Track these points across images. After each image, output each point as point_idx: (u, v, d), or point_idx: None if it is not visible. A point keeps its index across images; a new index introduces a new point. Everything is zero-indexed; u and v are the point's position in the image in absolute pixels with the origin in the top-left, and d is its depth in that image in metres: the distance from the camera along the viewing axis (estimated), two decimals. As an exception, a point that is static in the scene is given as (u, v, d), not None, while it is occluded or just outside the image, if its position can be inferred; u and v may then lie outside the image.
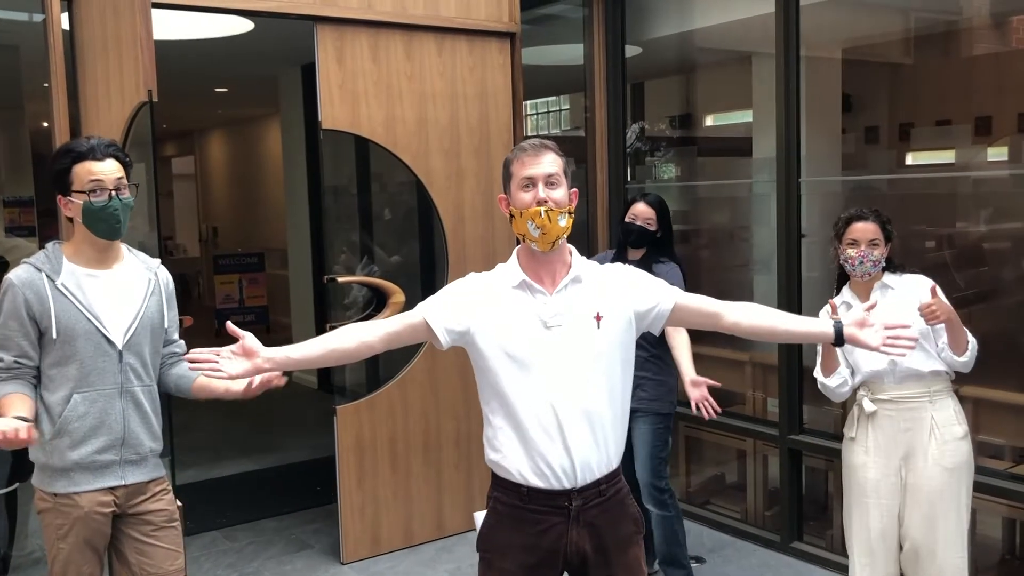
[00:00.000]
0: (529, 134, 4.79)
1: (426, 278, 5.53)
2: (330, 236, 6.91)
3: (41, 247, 2.64)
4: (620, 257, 3.87)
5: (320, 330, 8.07)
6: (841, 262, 3.11)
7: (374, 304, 4.37)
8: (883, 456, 3.07)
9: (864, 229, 3.04)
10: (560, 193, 2.20)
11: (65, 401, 2.49)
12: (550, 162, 2.20)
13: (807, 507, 4.44)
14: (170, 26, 5.60)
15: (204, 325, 11.14)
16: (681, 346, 3.61)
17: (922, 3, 5.08)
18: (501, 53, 4.62)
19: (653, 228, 3.76)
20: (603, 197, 5.12)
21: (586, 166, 5.24)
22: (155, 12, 3.09)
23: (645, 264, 3.78)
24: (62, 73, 3.55)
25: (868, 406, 3.09)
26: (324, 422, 4.50)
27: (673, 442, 3.96)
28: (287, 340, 8.34)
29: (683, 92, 6.37)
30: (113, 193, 2.47)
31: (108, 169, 2.47)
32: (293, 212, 8.48)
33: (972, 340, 2.96)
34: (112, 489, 2.55)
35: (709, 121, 6.53)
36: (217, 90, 9.36)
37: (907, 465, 3.04)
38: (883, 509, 3.07)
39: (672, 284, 3.58)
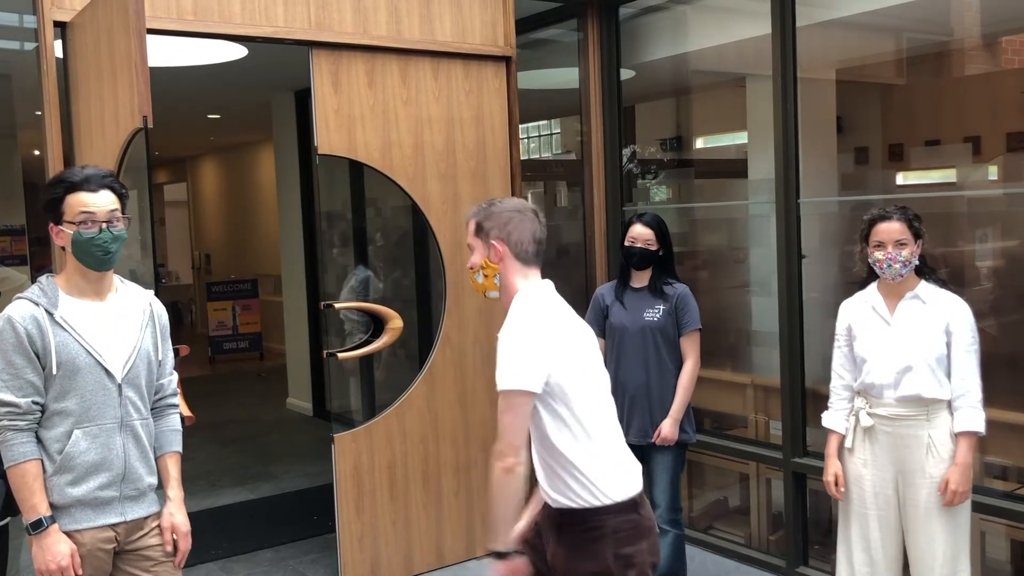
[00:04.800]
0: (521, 158, 4.76)
1: (423, 303, 5.50)
2: (324, 262, 6.88)
3: (33, 277, 2.60)
4: (624, 282, 3.86)
5: (316, 357, 8.09)
6: (871, 265, 3.03)
7: (371, 330, 4.33)
8: (880, 469, 3.04)
9: (889, 229, 2.95)
10: (474, 258, 2.52)
11: (66, 437, 2.43)
12: (470, 232, 2.52)
13: (812, 531, 4.38)
14: (163, 53, 5.59)
15: (198, 352, 11.08)
16: (682, 382, 3.72)
17: (914, 24, 5.09)
18: (497, 77, 4.61)
19: (655, 248, 3.76)
20: (600, 220, 5.09)
21: (582, 189, 5.22)
22: (149, 39, 3.06)
23: (653, 287, 3.78)
24: (55, 101, 3.52)
25: (865, 420, 3.06)
26: (321, 449, 4.44)
27: (684, 463, 3.96)
28: (281, 367, 8.30)
29: (675, 115, 6.37)
30: (104, 225, 2.42)
31: (102, 201, 2.43)
32: (287, 238, 8.44)
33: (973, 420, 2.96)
34: (114, 526, 2.49)
35: (701, 143, 6.54)
36: (210, 116, 9.36)
37: (904, 481, 3.01)
38: (881, 521, 3.04)
39: (690, 306, 3.71)
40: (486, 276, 2.48)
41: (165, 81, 6.52)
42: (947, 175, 4.91)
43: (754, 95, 5.23)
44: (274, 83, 7.48)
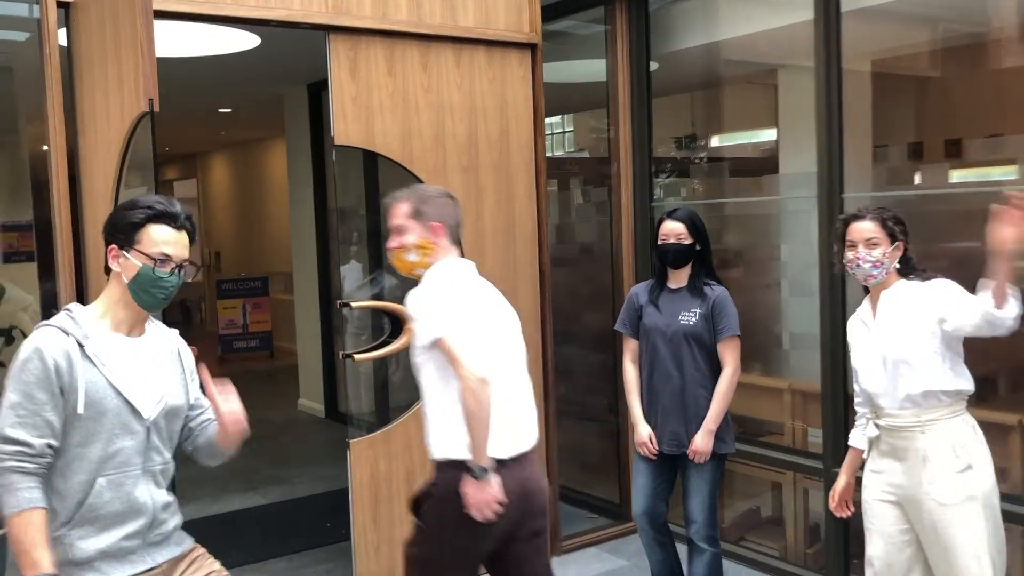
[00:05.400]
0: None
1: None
2: (337, 259, 6.68)
3: (41, 279, 2.40)
4: (661, 283, 3.65)
5: (328, 356, 7.89)
6: (844, 266, 2.91)
7: (389, 330, 4.11)
8: (884, 482, 2.89)
9: (860, 229, 2.83)
10: (407, 238, 2.74)
11: (88, 486, 2.18)
12: (402, 215, 2.73)
13: (853, 543, 4.16)
14: (173, 41, 5.41)
15: (207, 351, 10.91)
16: (719, 390, 3.52)
17: (952, 15, 4.87)
18: (522, 65, 4.39)
19: (689, 242, 3.53)
20: (628, 219, 4.88)
21: (609, 187, 5.01)
22: (158, 25, 2.87)
23: (694, 288, 3.56)
24: (58, 87, 3.31)
25: (871, 431, 2.94)
26: (334, 452, 4.24)
27: (722, 476, 3.76)
28: (292, 366, 8.07)
29: (701, 107, 6.15)
30: (177, 269, 2.24)
31: (183, 243, 2.26)
32: (298, 235, 8.26)
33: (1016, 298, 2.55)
34: (148, 571, 2.28)
35: (729, 137, 6.32)
36: (221, 111, 9.18)
37: (905, 496, 2.84)
38: (886, 537, 2.88)
39: (727, 311, 3.49)
40: (424, 254, 2.72)
41: (175, 71, 6.34)
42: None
43: (787, 86, 5.03)
44: (287, 76, 7.28)
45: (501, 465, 2.59)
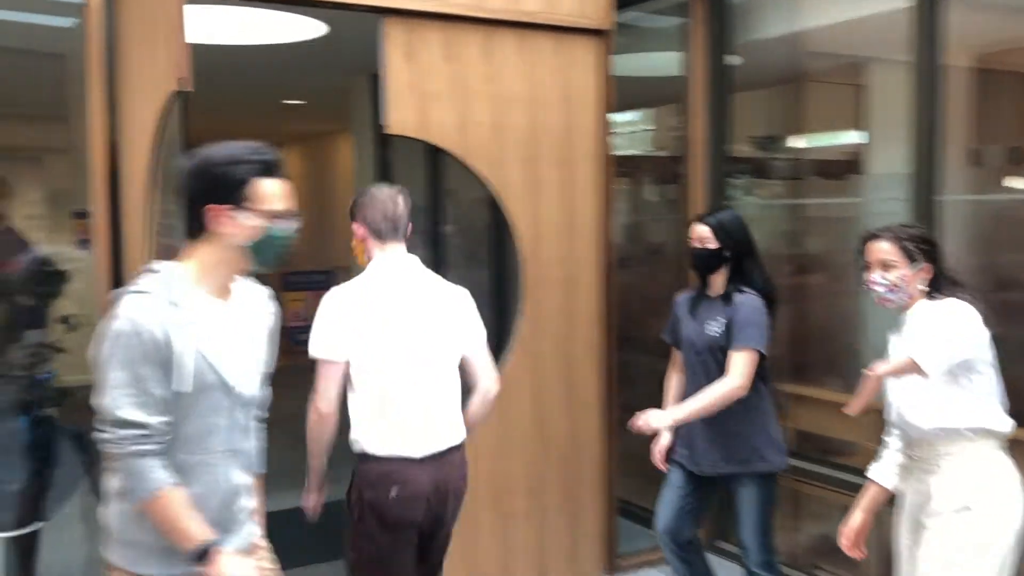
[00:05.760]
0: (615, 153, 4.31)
1: (499, 302, 5.08)
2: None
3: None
4: (701, 291, 3.44)
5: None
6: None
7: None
8: (905, 516, 2.74)
9: (875, 249, 2.64)
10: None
11: (176, 468, 2.01)
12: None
13: None
14: (236, 29, 5.31)
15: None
16: (704, 393, 3.25)
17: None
18: (590, 53, 4.14)
19: (714, 247, 3.30)
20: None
21: (679, 186, 4.74)
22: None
23: (725, 295, 3.33)
24: (99, 71, 3.18)
25: (900, 459, 2.79)
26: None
27: (774, 497, 3.48)
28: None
29: (781, 103, 5.82)
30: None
31: (289, 193, 2.12)
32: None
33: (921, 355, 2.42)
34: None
35: (810, 136, 5.98)
36: (288, 102, 9.13)
37: (912, 530, 2.66)
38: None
39: (745, 320, 3.19)
40: (361, 254, 2.91)
41: (242, 60, 6.27)
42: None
43: (878, 80, 4.69)
44: (353, 66, 7.15)
45: (370, 460, 2.86)
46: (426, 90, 3.77)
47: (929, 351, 2.41)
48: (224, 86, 7.43)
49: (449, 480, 2.87)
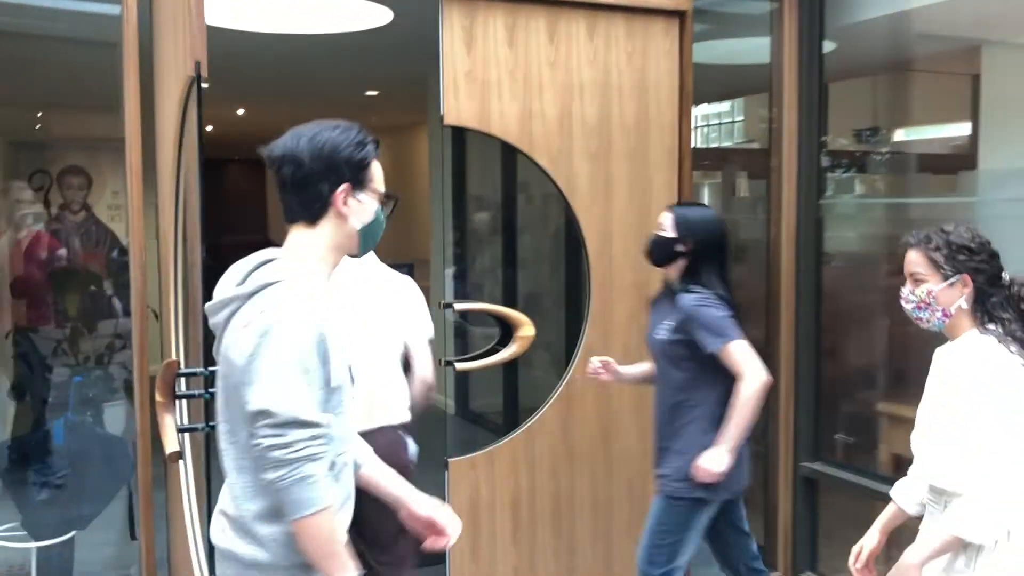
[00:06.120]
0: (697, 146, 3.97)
1: (569, 308, 4.77)
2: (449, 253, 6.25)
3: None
4: (665, 287, 3.23)
5: (461, 350, 7.53)
6: None
7: (498, 337, 3.63)
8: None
9: (906, 260, 2.31)
10: None
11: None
12: None
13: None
14: (306, 19, 5.15)
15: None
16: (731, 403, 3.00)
17: None
18: (667, 37, 3.80)
19: (669, 235, 3.05)
20: (789, 216, 4.19)
21: (767, 181, 4.35)
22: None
23: (673, 292, 3.08)
24: (134, 60, 2.99)
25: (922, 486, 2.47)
26: (454, 455, 3.76)
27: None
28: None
29: (883, 92, 5.36)
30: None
31: None
32: (437, 224, 7.94)
33: None
34: None
35: (916, 128, 5.50)
36: (368, 93, 9.00)
37: None
38: None
39: (701, 321, 2.95)
40: None
41: (318, 51, 6.11)
42: None
43: (994, 65, 4.21)
44: (426, 54, 6.93)
45: None
46: (487, 78, 3.50)
47: (975, 518, 2.10)
48: (293, 76, 7.32)
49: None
